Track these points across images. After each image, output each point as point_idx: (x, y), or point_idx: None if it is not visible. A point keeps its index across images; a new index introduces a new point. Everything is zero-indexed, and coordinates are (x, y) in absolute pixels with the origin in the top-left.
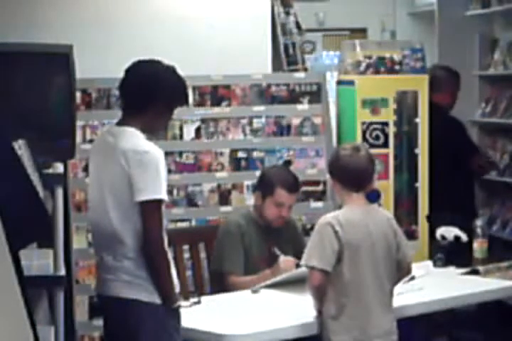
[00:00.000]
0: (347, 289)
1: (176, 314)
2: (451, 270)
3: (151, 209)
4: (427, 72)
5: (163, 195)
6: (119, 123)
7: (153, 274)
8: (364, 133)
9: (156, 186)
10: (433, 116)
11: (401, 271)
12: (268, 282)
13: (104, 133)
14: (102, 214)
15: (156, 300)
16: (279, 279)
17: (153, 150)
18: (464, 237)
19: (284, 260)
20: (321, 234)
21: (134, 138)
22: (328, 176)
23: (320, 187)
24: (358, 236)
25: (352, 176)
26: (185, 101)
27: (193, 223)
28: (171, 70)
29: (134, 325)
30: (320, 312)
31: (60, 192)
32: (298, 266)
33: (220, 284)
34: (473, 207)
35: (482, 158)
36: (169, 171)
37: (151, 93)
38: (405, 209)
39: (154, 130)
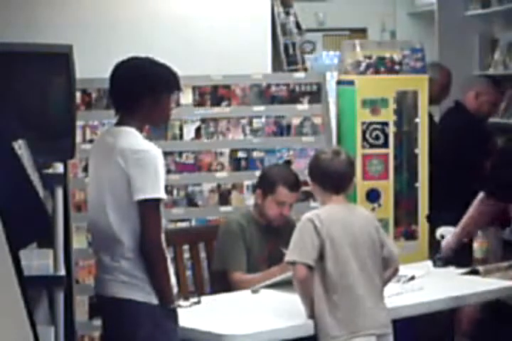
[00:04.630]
0: (336, 286)
1: (172, 315)
2: (451, 270)
3: (149, 208)
4: (429, 70)
5: (162, 194)
6: (118, 124)
7: (150, 274)
8: (364, 133)
9: (155, 185)
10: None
11: (389, 268)
12: (268, 282)
13: (104, 134)
14: (101, 214)
15: (153, 300)
16: (279, 279)
17: (151, 149)
18: None
19: None
20: (302, 230)
21: (132, 137)
22: (308, 179)
23: None
24: (339, 232)
25: (332, 179)
26: (174, 87)
27: (193, 223)
28: (149, 61)
29: (130, 325)
30: (311, 316)
31: (60, 192)
32: None
33: (223, 284)
34: None
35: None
36: (169, 171)
37: (132, 88)
38: (405, 209)
39: (155, 123)
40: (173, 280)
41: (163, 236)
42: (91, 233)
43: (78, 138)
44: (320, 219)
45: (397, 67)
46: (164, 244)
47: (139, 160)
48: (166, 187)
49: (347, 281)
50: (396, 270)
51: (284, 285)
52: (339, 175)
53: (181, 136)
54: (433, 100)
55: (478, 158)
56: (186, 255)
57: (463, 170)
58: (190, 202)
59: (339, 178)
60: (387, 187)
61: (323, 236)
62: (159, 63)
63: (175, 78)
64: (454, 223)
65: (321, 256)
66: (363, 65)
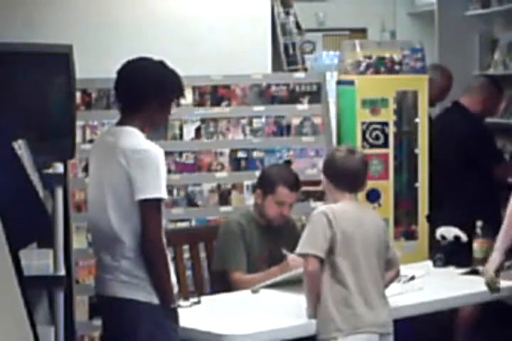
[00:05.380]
0: (345, 280)
1: (173, 314)
2: (451, 270)
3: (150, 208)
4: (430, 72)
5: (163, 194)
6: (119, 124)
7: (151, 273)
8: (364, 133)
9: (156, 185)
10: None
11: (391, 269)
12: (268, 282)
13: (104, 134)
14: (101, 214)
15: (154, 300)
16: (279, 279)
17: (153, 149)
18: (464, 237)
19: (294, 258)
20: (315, 223)
21: (134, 137)
22: (322, 177)
23: (320, 187)
24: (351, 228)
25: (346, 177)
26: (181, 93)
27: (193, 223)
28: (160, 65)
29: (131, 325)
30: (312, 315)
31: (60, 192)
32: None
33: (223, 284)
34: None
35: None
36: (169, 171)
37: (143, 89)
38: (405, 209)
39: (155, 125)
40: (173, 279)
41: (163, 236)
42: (91, 233)
43: (78, 138)
44: (333, 212)
45: (397, 67)
46: (165, 244)
47: (141, 160)
48: (166, 187)
49: (356, 276)
50: (398, 272)
51: (284, 285)
52: (353, 174)
53: (181, 136)
54: (430, 102)
55: (480, 158)
56: (186, 255)
57: (463, 170)
58: (190, 202)
59: (353, 176)
60: (387, 187)
61: (336, 229)
62: (167, 66)
63: (181, 82)
64: (454, 223)
65: (331, 250)
66: (363, 65)
